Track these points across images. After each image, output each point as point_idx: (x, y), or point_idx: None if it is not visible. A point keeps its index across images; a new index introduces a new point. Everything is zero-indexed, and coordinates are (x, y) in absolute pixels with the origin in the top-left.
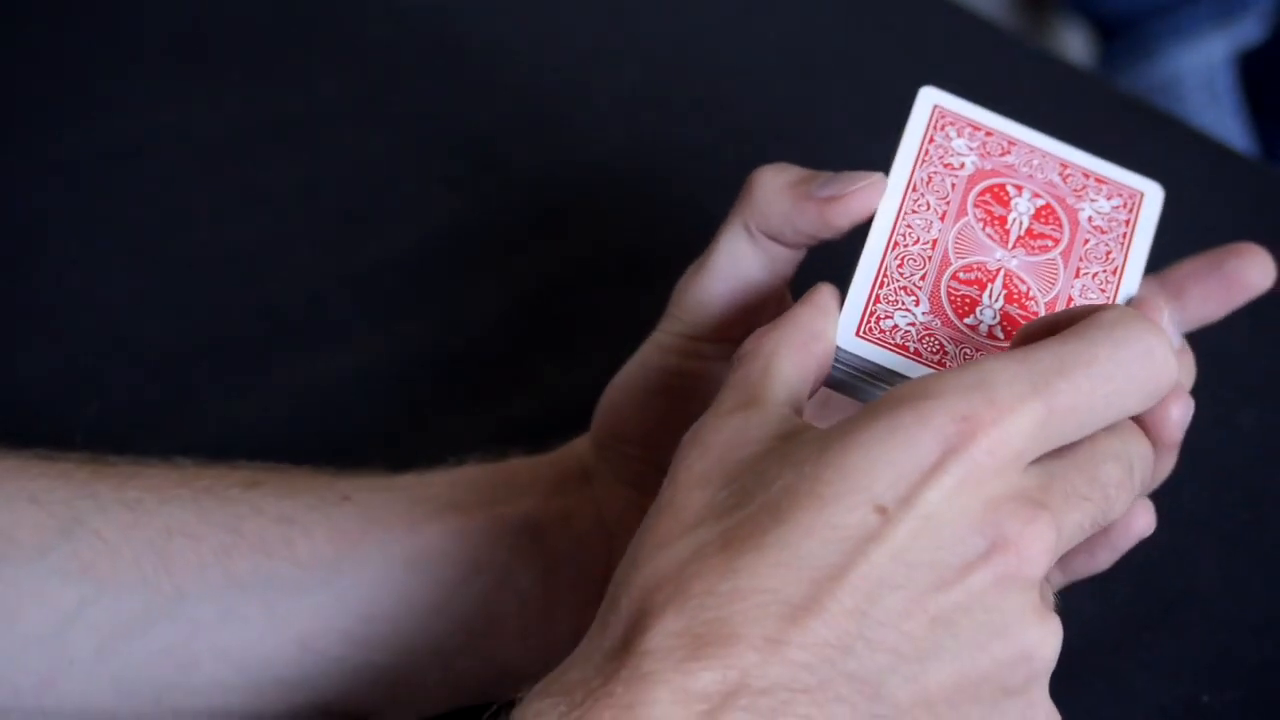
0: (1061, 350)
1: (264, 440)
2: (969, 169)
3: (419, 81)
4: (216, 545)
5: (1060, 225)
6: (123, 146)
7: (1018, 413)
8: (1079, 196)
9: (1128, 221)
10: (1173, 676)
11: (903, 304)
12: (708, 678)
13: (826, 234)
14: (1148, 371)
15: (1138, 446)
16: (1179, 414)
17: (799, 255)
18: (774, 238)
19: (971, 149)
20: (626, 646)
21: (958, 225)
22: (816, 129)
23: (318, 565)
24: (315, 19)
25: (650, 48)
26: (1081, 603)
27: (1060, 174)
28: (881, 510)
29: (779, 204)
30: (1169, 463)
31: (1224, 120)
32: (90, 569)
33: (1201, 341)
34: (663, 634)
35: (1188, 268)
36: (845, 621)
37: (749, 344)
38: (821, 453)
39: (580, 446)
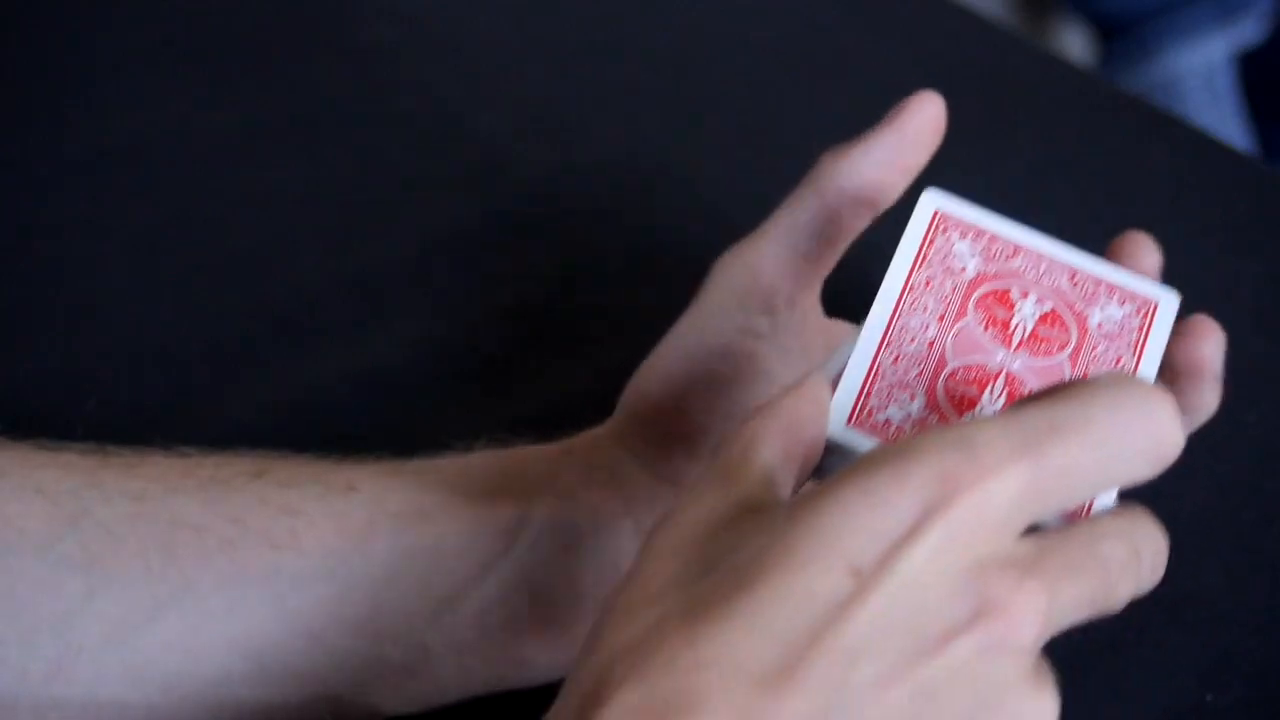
0: (1053, 410)
1: (264, 441)
2: (971, 272)
3: (419, 81)
4: (222, 536)
5: (1067, 330)
6: (123, 146)
7: (1003, 473)
8: (1089, 302)
9: (1141, 328)
10: (1176, 676)
11: (896, 399)
12: None
13: (907, 151)
14: (1148, 434)
15: (1145, 532)
16: (1213, 348)
17: (855, 228)
18: (853, 192)
19: (975, 253)
20: None
21: (957, 326)
22: (817, 129)
23: (325, 556)
24: (316, 19)
25: (651, 48)
26: None
27: (1069, 280)
28: (857, 573)
29: (854, 153)
30: (1212, 396)
31: (1224, 120)
32: (97, 560)
33: None
34: (619, 708)
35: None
36: (820, 692)
37: (732, 430)
38: (792, 517)
39: (602, 438)
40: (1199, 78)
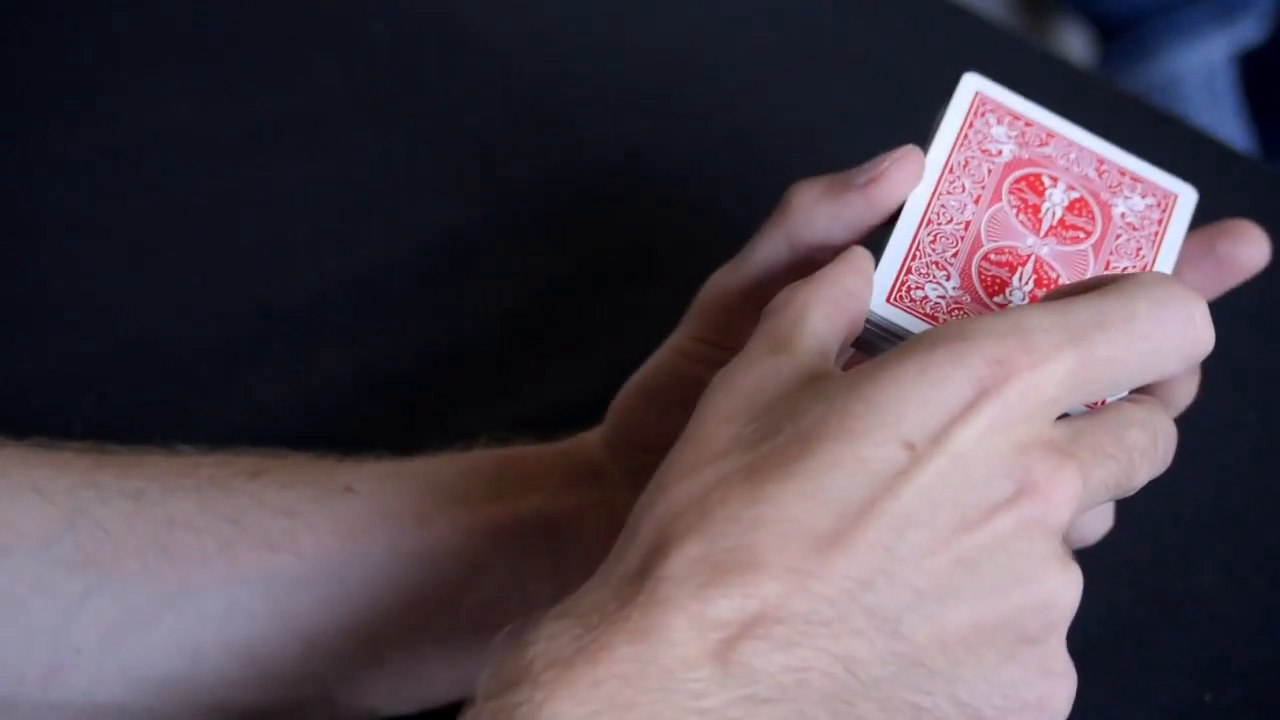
0: (1101, 304)
1: (264, 441)
2: (1006, 156)
3: (419, 81)
4: (219, 538)
5: (1093, 218)
6: (123, 146)
7: (1053, 360)
8: (1113, 193)
9: (1160, 221)
10: (1175, 676)
11: (934, 277)
12: (726, 605)
13: (873, 217)
14: (1186, 335)
15: (1163, 422)
16: (1254, 254)
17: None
18: (820, 244)
19: (1010, 137)
20: (644, 572)
21: (991, 209)
22: (817, 129)
23: (322, 559)
24: (316, 19)
25: (651, 48)
26: (1084, 602)
27: (1096, 169)
28: (911, 447)
29: (822, 207)
30: (1191, 385)
31: (1224, 120)
32: (94, 560)
33: None
34: (682, 560)
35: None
36: (869, 556)
37: (780, 297)
38: (853, 389)
39: (590, 442)
40: (1199, 78)
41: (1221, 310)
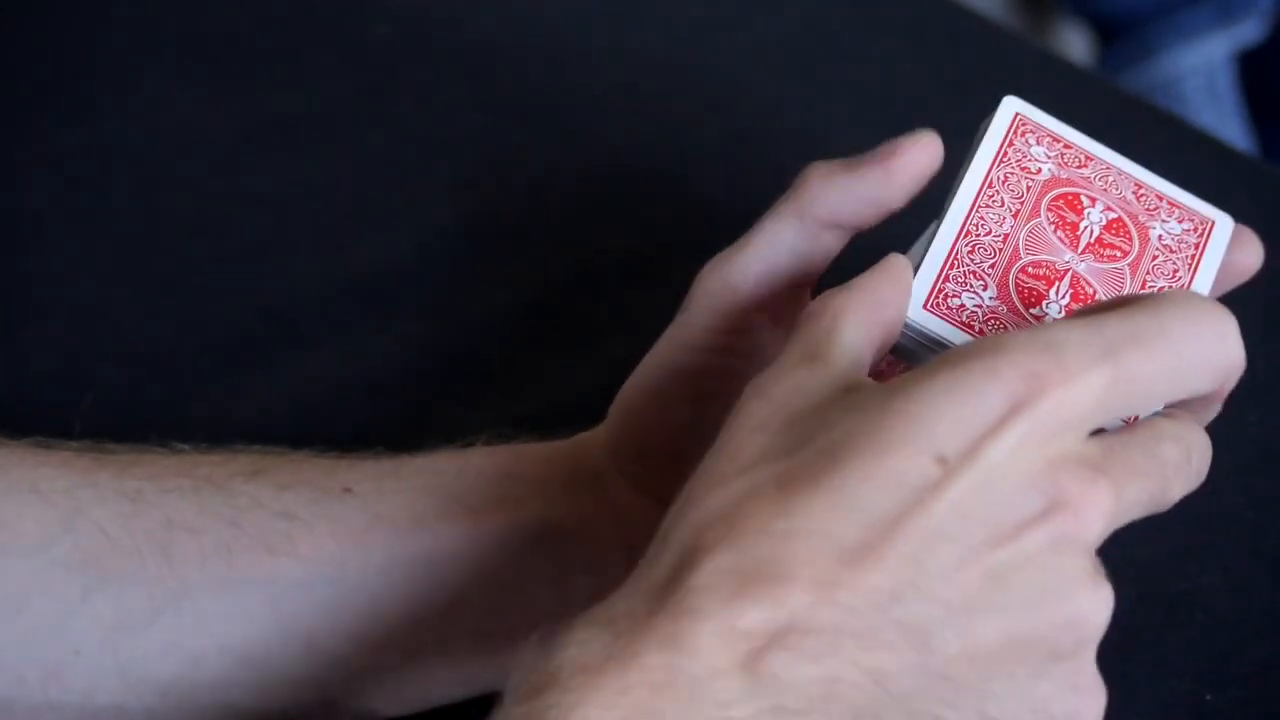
0: (1135, 320)
1: (263, 441)
2: (1045, 175)
3: (419, 81)
4: (218, 539)
5: (1130, 239)
6: (123, 146)
7: (1087, 375)
8: (1151, 216)
9: (1197, 245)
10: (1175, 675)
11: (971, 286)
12: (755, 616)
13: (888, 194)
14: (1219, 352)
15: (1196, 436)
16: (1254, 261)
17: (835, 248)
18: (830, 221)
19: (1050, 157)
20: (674, 581)
21: (1030, 224)
22: (817, 129)
23: (321, 562)
24: (316, 19)
25: (651, 48)
26: None
27: (1135, 193)
28: (943, 461)
29: (837, 179)
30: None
31: (1224, 120)
32: (93, 561)
33: None
34: (712, 570)
35: None
36: (899, 569)
37: (816, 303)
38: (885, 401)
39: (592, 443)
40: (1199, 78)
41: None
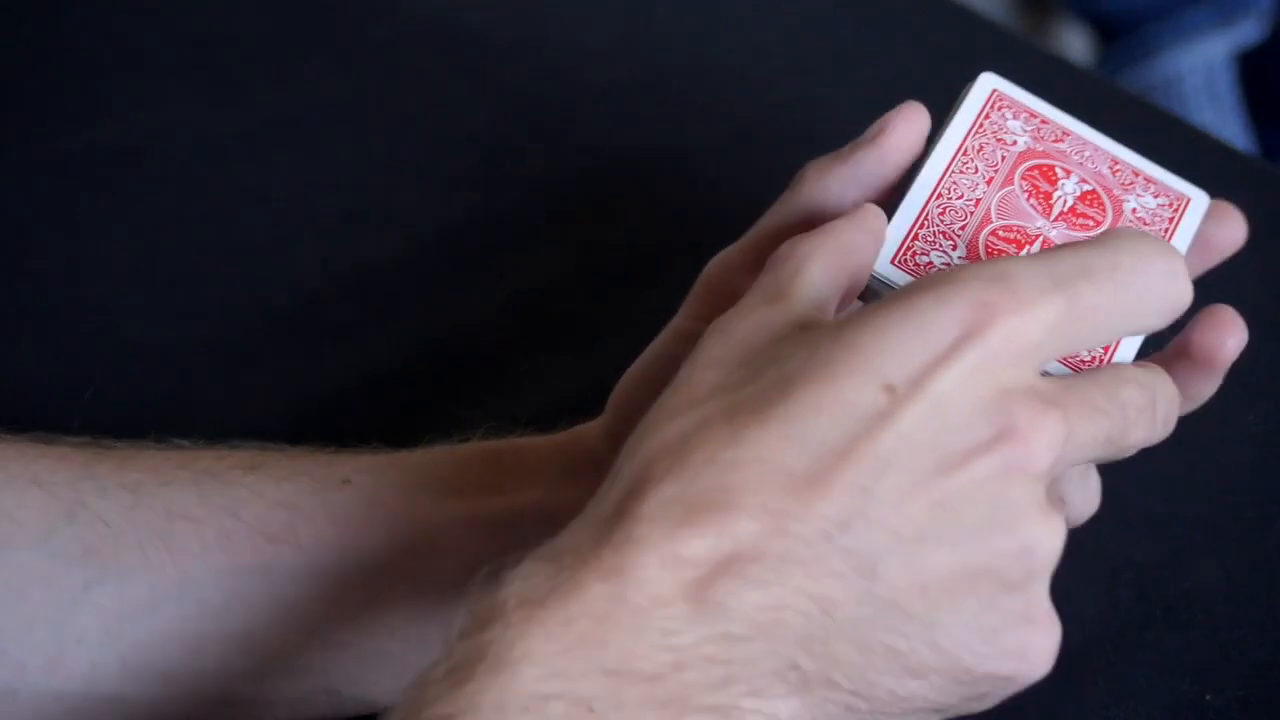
0: (1085, 254)
1: (262, 439)
2: (1021, 146)
3: (419, 81)
4: (218, 530)
5: (1104, 210)
6: (123, 146)
7: (1038, 305)
8: (1126, 190)
9: (1171, 219)
10: (1175, 675)
11: (940, 246)
12: (700, 545)
13: (886, 171)
14: (1167, 289)
15: (1163, 385)
16: (1235, 345)
17: None
18: (834, 209)
19: (1025, 130)
20: (620, 513)
21: (1003, 191)
22: (817, 129)
23: (321, 551)
24: (316, 19)
25: (651, 47)
26: (1084, 602)
27: (1110, 168)
28: (891, 390)
29: (836, 168)
30: (1213, 385)
31: (1224, 120)
32: (94, 552)
33: None
34: (658, 501)
35: None
36: (846, 498)
37: (785, 246)
38: (837, 333)
39: (590, 434)
40: (1199, 78)
41: None
